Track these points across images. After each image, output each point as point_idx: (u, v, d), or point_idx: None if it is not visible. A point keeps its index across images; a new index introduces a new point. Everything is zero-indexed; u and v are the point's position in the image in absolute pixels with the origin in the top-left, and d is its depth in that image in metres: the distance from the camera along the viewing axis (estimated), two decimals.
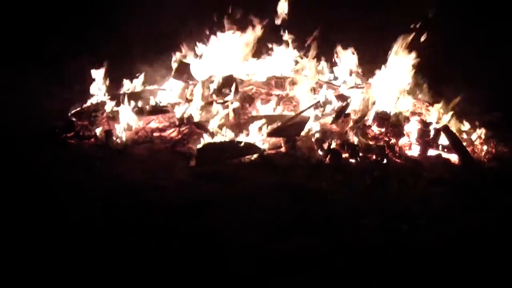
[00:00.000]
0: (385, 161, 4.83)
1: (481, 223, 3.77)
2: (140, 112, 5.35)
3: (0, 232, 3.35)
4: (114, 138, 5.09)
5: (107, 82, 5.75)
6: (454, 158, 5.03)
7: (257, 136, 5.02)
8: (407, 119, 5.37)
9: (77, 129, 5.19)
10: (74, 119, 5.35)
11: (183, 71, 5.73)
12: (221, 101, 5.39)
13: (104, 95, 5.70)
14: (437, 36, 5.57)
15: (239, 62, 5.93)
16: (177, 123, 5.28)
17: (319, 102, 5.42)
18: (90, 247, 3.23)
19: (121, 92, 5.72)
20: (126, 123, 5.28)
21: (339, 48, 5.97)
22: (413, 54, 5.48)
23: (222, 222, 3.62)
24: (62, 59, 7.00)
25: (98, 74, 5.75)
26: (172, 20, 7.02)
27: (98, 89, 5.73)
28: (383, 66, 5.61)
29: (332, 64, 6.09)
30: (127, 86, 5.82)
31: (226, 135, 5.03)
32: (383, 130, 5.20)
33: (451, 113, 5.50)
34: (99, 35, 7.20)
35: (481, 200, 4.13)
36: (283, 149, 4.97)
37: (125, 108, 5.35)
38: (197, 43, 5.91)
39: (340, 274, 3.09)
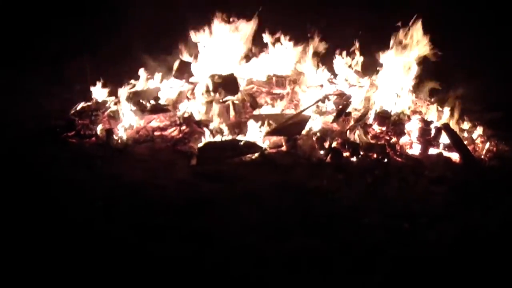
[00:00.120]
0: (386, 160, 4.82)
1: (482, 222, 3.77)
2: (141, 111, 5.35)
3: (0, 232, 3.35)
4: (115, 137, 5.09)
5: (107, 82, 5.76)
6: (455, 156, 5.02)
7: (258, 135, 5.01)
8: (408, 117, 5.37)
9: (78, 128, 5.19)
10: (75, 118, 5.35)
11: (184, 70, 5.73)
12: (222, 100, 5.38)
13: (105, 95, 5.71)
14: (438, 33, 5.55)
15: (239, 59, 5.92)
16: (178, 122, 5.28)
17: (320, 100, 5.42)
18: (90, 247, 3.23)
19: (122, 91, 5.71)
20: (127, 122, 5.28)
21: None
22: (414, 52, 5.47)
23: (223, 222, 3.62)
24: (62, 59, 7.00)
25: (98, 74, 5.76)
26: (172, 19, 7.02)
27: (99, 89, 5.74)
28: (383, 64, 5.61)
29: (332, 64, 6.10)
30: (128, 85, 5.81)
31: (227, 134, 5.03)
32: (384, 128, 5.20)
33: (448, 110, 5.49)
34: (99, 35, 7.20)
35: (482, 198, 4.12)
36: (284, 148, 4.96)
37: (126, 107, 5.34)
38: (194, 35, 5.88)
39: (341, 274, 3.08)
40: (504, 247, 3.41)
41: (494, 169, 4.84)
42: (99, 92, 5.74)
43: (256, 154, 4.79)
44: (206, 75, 5.61)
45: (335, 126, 5.28)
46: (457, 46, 6.66)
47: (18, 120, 5.42)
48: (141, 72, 5.75)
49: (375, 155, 4.86)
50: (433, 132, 5.18)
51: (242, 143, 4.84)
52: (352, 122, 5.23)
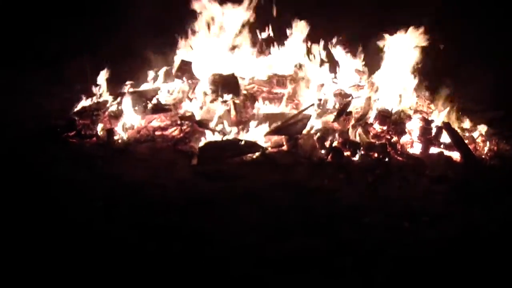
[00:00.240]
0: (386, 159, 4.82)
1: (483, 221, 3.76)
2: (142, 110, 5.34)
3: (1, 232, 3.35)
4: (116, 137, 5.08)
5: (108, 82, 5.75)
6: (456, 156, 5.01)
7: (259, 134, 5.01)
8: (408, 117, 5.36)
9: (79, 128, 5.19)
10: (75, 117, 5.34)
11: (185, 69, 5.72)
12: (223, 99, 5.38)
13: (106, 94, 5.70)
14: (439, 34, 5.55)
15: (240, 59, 5.92)
16: (178, 121, 5.28)
17: (321, 100, 5.42)
18: (90, 247, 3.23)
19: (123, 91, 5.71)
20: (128, 121, 5.27)
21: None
22: (414, 52, 5.47)
23: (223, 221, 3.61)
24: (62, 59, 7.01)
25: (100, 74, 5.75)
26: (171, 19, 7.01)
27: (100, 88, 5.74)
28: (384, 64, 5.60)
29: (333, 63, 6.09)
30: (128, 85, 5.80)
31: (228, 134, 5.02)
32: (385, 128, 5.19)
33: (447, 108, 5.49)
34: (99, 35, 7.20)
35: (483, 198, 4.11)
36: (284, 147, 4.96)
37: (127, 107, 5.34)
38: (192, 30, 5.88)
39: (341, 273, 3.08)
40: (505, 246, 3.40)
41: (495, 169, 4.84)
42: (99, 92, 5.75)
43: (257, 154, 4.78)
44: (206, 75, 5.61)
45: (336, 125, 5.27)
46: (459, 45, 6.66)
47: (18, 120, 5.42)
48: (150, 72, 5.75)
49: (376, 154, 4.86)
50: (434, 131, 5.18)
51: (242, 142, 4.84)
52: (353, 121, 5.23)
